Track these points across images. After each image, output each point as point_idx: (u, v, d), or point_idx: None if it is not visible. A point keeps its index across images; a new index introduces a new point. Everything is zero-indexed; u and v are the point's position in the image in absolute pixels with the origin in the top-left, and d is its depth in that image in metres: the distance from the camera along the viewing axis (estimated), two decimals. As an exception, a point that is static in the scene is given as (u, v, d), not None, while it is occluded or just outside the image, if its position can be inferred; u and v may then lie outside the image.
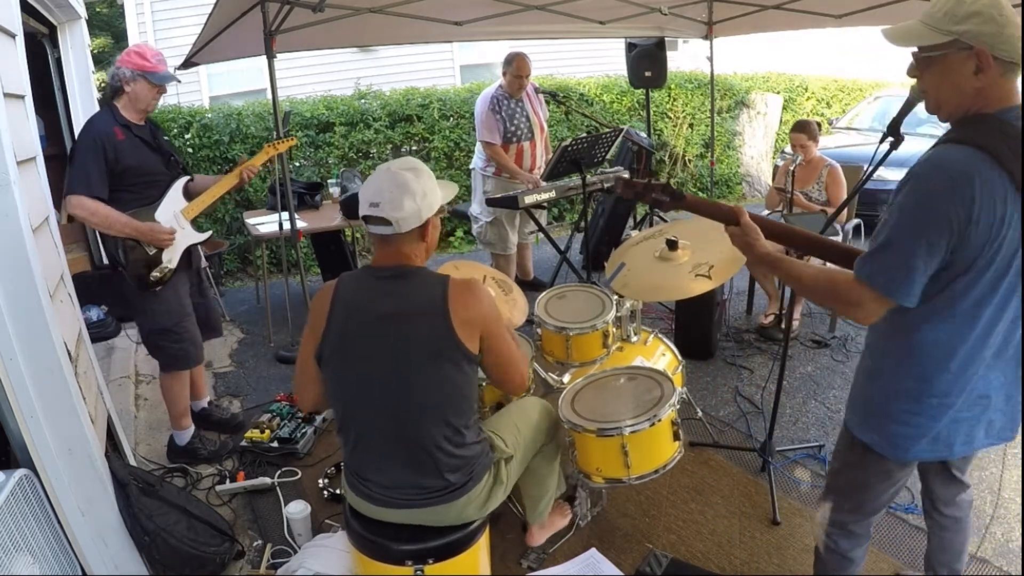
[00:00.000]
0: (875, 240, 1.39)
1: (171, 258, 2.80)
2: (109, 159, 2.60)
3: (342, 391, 1.79)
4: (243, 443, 3.10)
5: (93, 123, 2.70)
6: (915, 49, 1.42)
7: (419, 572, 1.77)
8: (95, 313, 4.35)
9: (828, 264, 1.72)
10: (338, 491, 2.75)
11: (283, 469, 2.94)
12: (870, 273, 1.38)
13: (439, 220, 1.84)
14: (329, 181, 5.36)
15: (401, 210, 1.68)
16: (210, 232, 3.05)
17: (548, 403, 2.30)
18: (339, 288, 1.79)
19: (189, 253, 2.91)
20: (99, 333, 4.23)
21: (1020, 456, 1.63)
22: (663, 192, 1.73)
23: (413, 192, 1.70)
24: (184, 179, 2.89)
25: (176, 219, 2.82)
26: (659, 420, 2.14)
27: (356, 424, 1.79)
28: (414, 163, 1.78)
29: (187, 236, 2.86)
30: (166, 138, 2.95)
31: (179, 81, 2.85)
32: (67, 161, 2.66)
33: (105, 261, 4.96)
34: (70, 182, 2.58)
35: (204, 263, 3.24)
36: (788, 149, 4.34)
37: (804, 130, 4.11)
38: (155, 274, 2.76)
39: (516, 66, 4.31)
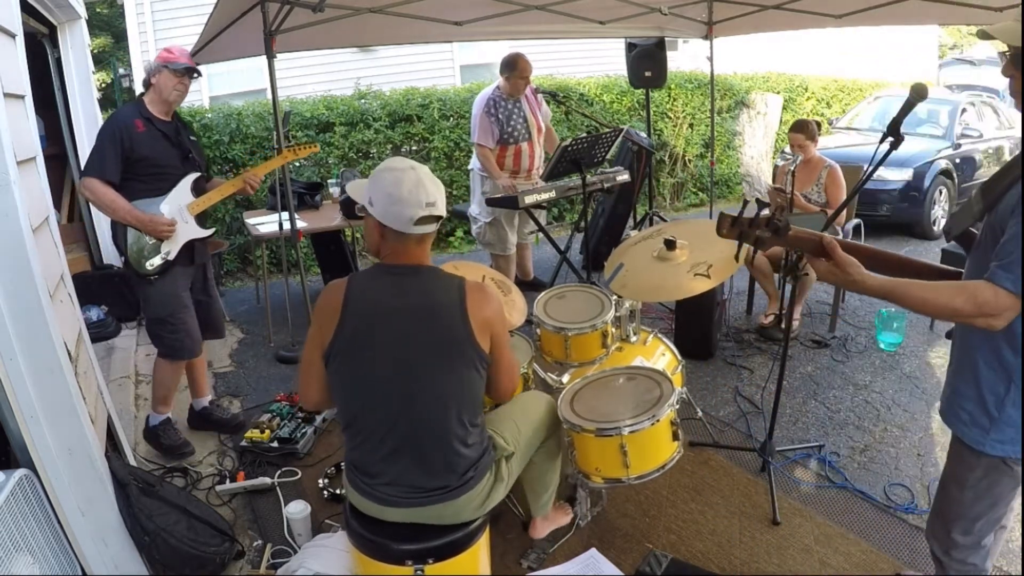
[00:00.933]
0: (1013, 249, 1.38)
1: (170, 250, 2.87)
2: (125, 147, 2.73)
3: (352, 388, 1.79)
4: (243, 443, 3.10)
5: (117, 113, 2.86)
6: (1005, 49, 1.43)
7: (419, 572, 1.77)
8: (95, 313, 4.35)
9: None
10: (338, 491, 2.75)
11: (283, 469, 2.94)
12: (1018, 282, 1.38)
13: None
14: (329, 181, 5.37)
15: (444, 205, 1.79)
16: (214, 229, 3.09)
17: (546, 396, 2.32)
18: (351, 286, 1.79)
19: (192, 248, 2.95)
20: (99, 333, 4.23)
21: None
22: (767, 227, 1.57)
23: (441, 187, 1.80)
24: (195, 175, 2.95)
25: (180, 213, 2.89)
26: (658, 420, 2.14)
27: (365, 421, 1.79)
28: (412, 161, 1.82)
29: (190, 231, 2.92)
30: (193, 138, 3.05)
31: (199, 74, 2.94)
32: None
33: (105, 261, 4.99)
34: (86, 165, 2.78)
35: None
36: (788, 149, 4.35)
37: (803, 130, 4.11)
38: (153, 261, 2.83)
39: (520, 68, 4.31)
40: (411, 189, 1.72)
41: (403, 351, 1.74)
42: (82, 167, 2.89)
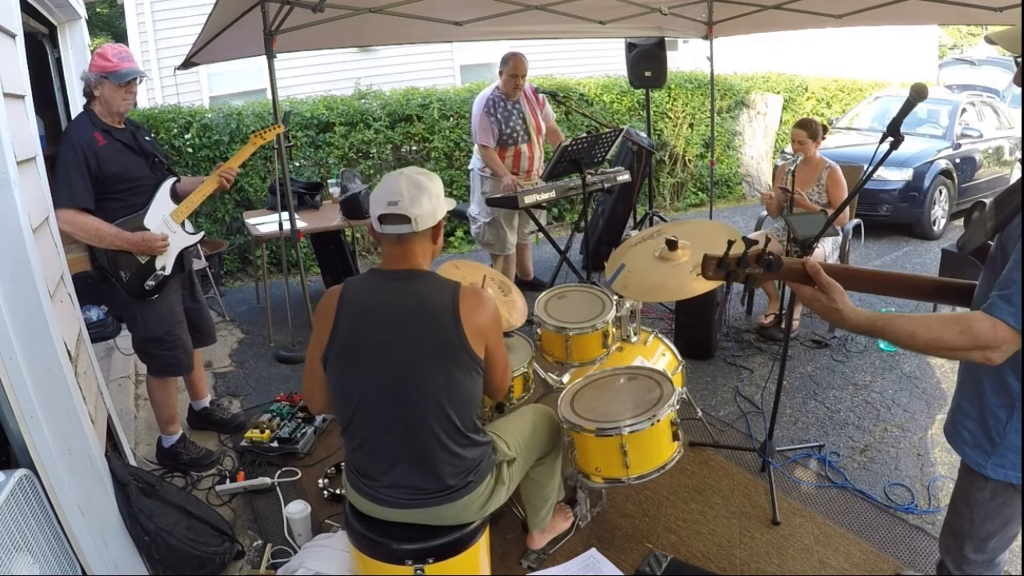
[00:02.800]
0: (1016, 278, 1.32)
1: (165, 264, 2.75)
2: (92, 167, 2.54)
3: (349, 392, 1.79)
4: (243, 443, 3.10)
5: (73, 130, 2.61)
6: (1019, 56, 1.38)
7: (419, 572, 1.77)
8: (95, 313, 4.34)
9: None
10: (338, 491, 2.75)
11: (283, 469, 2.95)
12: (1018, 314, 1.31)
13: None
14: (329, 181, 5.36)
15: (420, 207, 1.74)
16: (203, 233, 2.99)
17: (551, 410, 2.31)
18: (345, 292, 1.80)
19: (180, 257, 2.84)
20: (99, 333, 4.22)
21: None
22: (758, 263, 1.49)
23: (429, 191, 1.77)
24: (170, 181, 2.81)
25: (166, 223, 2.76)
26: (658, 420, 2.14)
27: (363, 424, 1.80)
28: (422, 170, 1.84)
29: (179, 240, 2.80)
30: (148, 138, 2.85)
31: (146, 76, 2.69)
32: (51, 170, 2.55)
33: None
34: (54, 195, 2.48)
35: (204, 263, 3.19)
36: (788, 149, 4.34)
37: (806, 127, 4.11)
38: (150, 283, 2.72)
39: (512, 65, 4.31)
40: (383, 189, 1.76)
41: (398, 354, 1.74)
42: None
